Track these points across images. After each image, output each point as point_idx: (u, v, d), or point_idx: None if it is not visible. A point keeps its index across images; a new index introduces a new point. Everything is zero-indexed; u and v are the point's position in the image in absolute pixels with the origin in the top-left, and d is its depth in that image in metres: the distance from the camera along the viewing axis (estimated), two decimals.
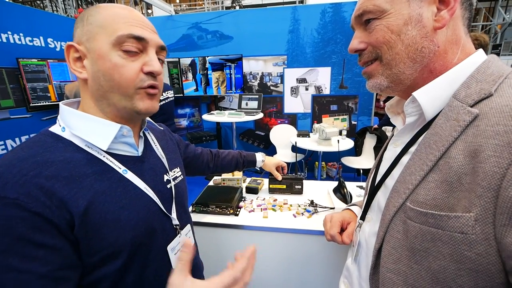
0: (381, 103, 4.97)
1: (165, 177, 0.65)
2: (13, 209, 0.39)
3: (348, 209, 0.82)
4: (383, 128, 3.07)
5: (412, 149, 0.51)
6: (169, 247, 0.60)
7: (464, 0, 0.48)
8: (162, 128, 0.79)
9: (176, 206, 0.65)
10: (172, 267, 0.61)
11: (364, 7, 0.50)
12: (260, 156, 1.28)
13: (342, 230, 0.76)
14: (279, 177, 1.33)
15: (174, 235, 0.63)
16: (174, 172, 0.69)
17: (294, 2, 8.81)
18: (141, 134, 0.63)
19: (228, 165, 1.18)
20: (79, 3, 8.75)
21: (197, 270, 0.73)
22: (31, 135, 0.53)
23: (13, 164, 0.43)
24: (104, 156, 0.52)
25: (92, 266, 0.47)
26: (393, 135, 0.62)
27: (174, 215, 0.63)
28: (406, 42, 0.47)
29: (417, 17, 0.46)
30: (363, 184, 1.39)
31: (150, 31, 0.53)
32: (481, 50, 0.49)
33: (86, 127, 0.51)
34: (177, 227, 0.64)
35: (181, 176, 0.73)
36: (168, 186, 0.64)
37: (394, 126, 0.65)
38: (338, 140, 1.98)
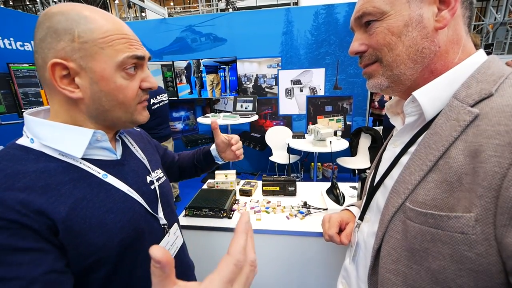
0: (376, 103, 5.00)
1: (148, 178, 0.64)
2: None
3: (346, 209, 0.82)
4: (378, 128, 3.09)
5: (412, 149, 0.51)
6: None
7: None
8: (139, 130, 0.79)
9: (163, 206, 0.65)
10: None
11: (364, 9, 0.49)
12: (213, 145, 0.99)
13: (340, 231, 0.75)
14: (235, 137, 0.93)
15: (163, 235, 0.63)
16: (156, 173, 0.69)
17: (288, 4, 8.86)
18: (118, 137, 0.63)
19: (189, 165, 0.99)
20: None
21: (188, 269, 0.73)
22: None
23: None
24: (80, 163, 0.51)
25: (81, 272, 0.46)
26: (392, 135, 0.62)
27: (161, 214, 0.63)
28: (407, 43, 0.46)
29: (417, 18, 0.45)
30: (357, 184, 1.39)
31: (141, 45, 0.54)
32: (481, 50, 0.49)
33: (57, 137, 0.49)
34: (165, 226, 0.64)
35: (164, 177, 0.73)
36: (152, 187, 0.64)
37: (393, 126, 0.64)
38: (330, 141, 1.99)
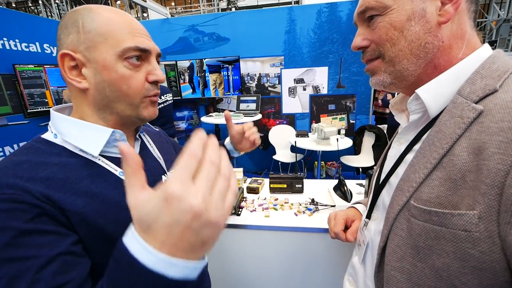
0: (379, 101, 4.99)
1: (164, 178, 0.65)
2: (11, 203, 0.40)
3: (352, 207, 0.82)
4: (381, 126, 3.08)
5: (416, 147, 0.50)
6: None
7: None
8: (158, 130, 0.79)
9: None
10: None
11: (367, 3, 0.48)
12: (227, 139, 0.99)
13: (346, 228, 0.76)
14: (246, 124, 0.92)
15: None
16: (171, 172, 0.69)
17: (290, 3, 8.85)
18: (137, 136, 0.63)
19: None
20: (74, 7, 8.76)
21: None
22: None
23: (8, 167, 0.43)
24: (99, 160, 0.52)
25: (101, 262, 0.47)
26: (397, 133, 0.61)
27: None
28: (409, 38, 0.46)
29: (420, 12, 0.45)
30: (363, 181, 1.39)
31: (150, 39, 0.54)
32: (487, 44, 0.48)
33: (77, 133, 0.50)
34: None
35: None
36: None
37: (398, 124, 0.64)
38: (337, 139, 1.99)
